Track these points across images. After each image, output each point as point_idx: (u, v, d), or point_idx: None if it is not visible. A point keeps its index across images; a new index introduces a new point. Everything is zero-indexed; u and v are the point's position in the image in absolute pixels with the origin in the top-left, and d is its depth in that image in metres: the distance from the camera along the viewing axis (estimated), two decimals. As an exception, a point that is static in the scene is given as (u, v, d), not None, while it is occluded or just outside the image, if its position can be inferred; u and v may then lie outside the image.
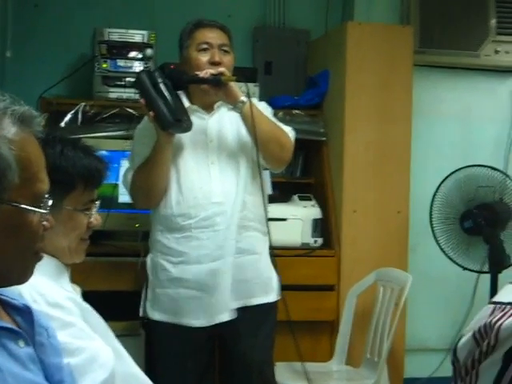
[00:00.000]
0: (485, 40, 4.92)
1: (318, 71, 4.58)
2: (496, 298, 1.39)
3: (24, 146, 1.33)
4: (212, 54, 3.24)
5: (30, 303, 1.56)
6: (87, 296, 2.11)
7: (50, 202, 1.39)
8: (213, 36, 3.26)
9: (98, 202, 2.05)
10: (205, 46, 3.25)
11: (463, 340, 1.37)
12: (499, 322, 1.29)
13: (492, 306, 1.36)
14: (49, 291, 1.79)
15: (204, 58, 3.24)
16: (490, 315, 1.33)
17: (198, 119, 3.25)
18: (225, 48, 3.28)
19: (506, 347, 1.27)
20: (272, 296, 3.31)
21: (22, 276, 1.41)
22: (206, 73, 3.17)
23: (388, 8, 4.83)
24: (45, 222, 1.39)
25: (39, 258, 1.42)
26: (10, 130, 1.32)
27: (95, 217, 2.04)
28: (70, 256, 2.00)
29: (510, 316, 1.29)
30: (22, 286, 1.69)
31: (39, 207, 1.36)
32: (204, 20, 3.34)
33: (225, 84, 3.16)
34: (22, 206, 1.32)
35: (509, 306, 1.32)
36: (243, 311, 3.25)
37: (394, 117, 4.33)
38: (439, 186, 4.22)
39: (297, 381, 3.72)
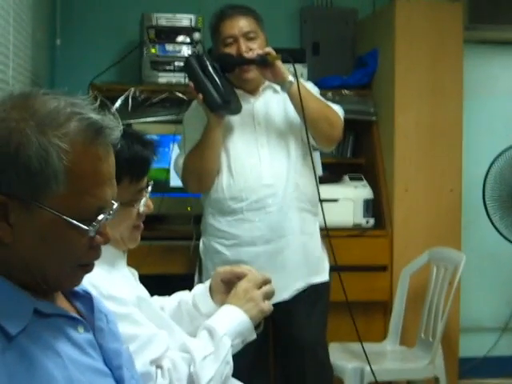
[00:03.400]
0: (537, 14, 4.83)
1: (367, 51, 4.54)
2: None
3: (80, 159, 1.29)
4: (238, 46, 3.22)
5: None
6: (142, 280, 2.13)
7: (107, 218, 1.34)
8: (236, 26, 3.24)
9: (149, 188, 2.01)
10: (230, 41, 3.24)
11: None
12: None
13: None
14: (103, 283, 1.79)
15: (231, 51, 3.24)
16: None
17: (243, 103, 3.26)
18: (251, 35, 3.25)
19: None
20: (323, 276, 3.32)
21: (63, 284, 1.39)
22: (253, 53, 3.18)
23: (437, -16, 4.76)
24: (98, 237, 1.34)
25: (87, 271, 1.39)
26: (68, 139, 1.28)
27: (147, 203, 2.00)
28: (124, 244, 2.00)
29: None
30: None
31: (85, 222, 1.31)
32: (226, 10, 3.31)
33: (272, 64, 3.16)
34: (64, 217, 1.28)
35: None
36: (297, 292, 3.27)
37: (444, 95, 4.28)
38: (492, 163, 4.18)
39: (351, 361, 3.73)
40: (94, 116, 1.32)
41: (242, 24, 3.25)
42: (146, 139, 1.99)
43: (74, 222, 1.29)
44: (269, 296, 2.09)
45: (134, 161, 1.91)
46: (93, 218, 1.32)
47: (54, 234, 1.30)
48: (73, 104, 1.32)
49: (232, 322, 1.98)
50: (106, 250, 1.87)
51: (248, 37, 3.24)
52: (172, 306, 2.20)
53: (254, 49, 3.22)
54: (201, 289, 2.21)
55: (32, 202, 1.27)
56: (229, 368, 1.93)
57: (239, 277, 2.12)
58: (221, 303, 2.11)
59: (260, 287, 2.07)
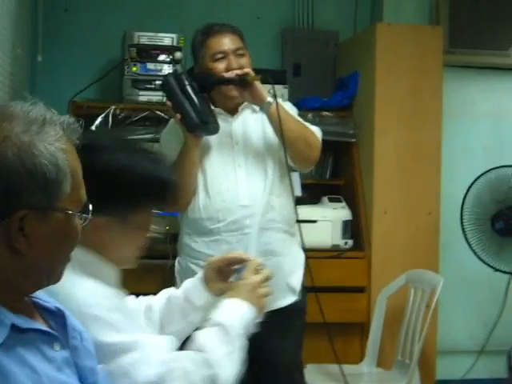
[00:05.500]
0: (515, 39, 4.88)
1: (348, 73, 4.57)
2: None
3: (71, 155, 1.36)
4: (229, 62, 3.21)
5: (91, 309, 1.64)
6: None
7: (90, 206, 1.42)
8: (226, 42, 3.22)
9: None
10: (220, 56, 3.22)
11: None
12: None
13: None
14: (106, 297, 1.78)
15: (221, 66, 3.23)
16: None
17: (222, 122, 3.23)
18: (240, 52, 3.23)
19: None
20: (289, 298, 3.29)
21: (57, 278, 1.43)
22: (232, 73, 3.18)
23: (417, 8, 4.81)
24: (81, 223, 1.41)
25: (69, 260, 1.44)
26: (63, 140, 1.34)
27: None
28: (127, 263, 1.99)
29: None
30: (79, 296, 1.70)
31: (83, 212, 1.39)
32: (213, 26, 3.29)
33: (250, 84, 3.15)
34: (71, 212, 1.35)
35: None
36: (271, 313, 3.24)
37: (424, 118, 4.31)
38: (470, 186, 4.20)
39: (327, 383, 3.72)
40: (64, 117, 1.39)
41: (232, 41, 3.23)
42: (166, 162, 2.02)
43: (79, 214, 1.38)
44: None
45: (165, 191, 1.91)
46: (84, 207, 1.41)
47: (64, 231, 1.36)
48: (45, 109, 1.37)
49: (242, 317, 2.00)
50: (113, 271, 1.87)
51: (237, 53, 3.24)
52: (161, 304, 2.19)
53: (244, 65, 3.21)
54: (191, 283, 2.18)
55: (49, 208, 1.32)
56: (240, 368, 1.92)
57: (231, 263, 2.12)
58: (217, 291, 2.11)
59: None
